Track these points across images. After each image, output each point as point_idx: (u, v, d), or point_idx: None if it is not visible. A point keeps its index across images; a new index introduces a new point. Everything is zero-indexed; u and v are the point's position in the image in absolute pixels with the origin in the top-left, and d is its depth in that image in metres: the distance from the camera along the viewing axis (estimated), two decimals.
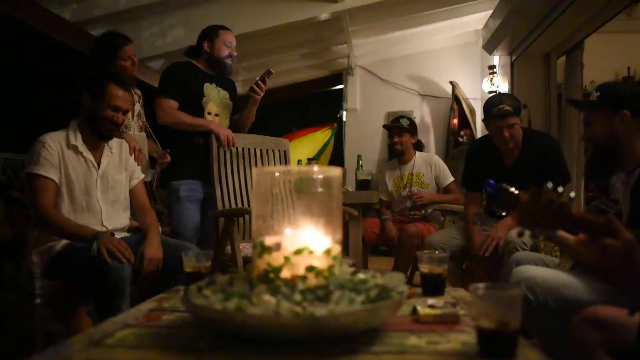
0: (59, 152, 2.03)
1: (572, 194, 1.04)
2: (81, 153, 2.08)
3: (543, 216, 1.04)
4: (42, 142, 2.01)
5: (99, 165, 2.13)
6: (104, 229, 2.09)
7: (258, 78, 2.76)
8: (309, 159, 4.58)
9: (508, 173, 2.54)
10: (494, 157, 2.64)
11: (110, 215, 2.14)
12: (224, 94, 2.83)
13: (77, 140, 2.08)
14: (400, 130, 3.64)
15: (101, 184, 2.13)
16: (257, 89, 2.74)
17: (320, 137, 6.15)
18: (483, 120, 2.66)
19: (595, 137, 1.69)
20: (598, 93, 1.68)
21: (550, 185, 1.03)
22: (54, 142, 2.03)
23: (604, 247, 1.04)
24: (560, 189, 1.03)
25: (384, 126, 3.90)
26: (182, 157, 2.72)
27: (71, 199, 2.05)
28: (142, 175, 2.36)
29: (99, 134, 2.11)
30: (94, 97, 2.07)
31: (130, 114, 2.60)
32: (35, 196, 1.97)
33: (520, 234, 1.12)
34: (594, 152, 1.72)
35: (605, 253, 1.05)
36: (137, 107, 2.80)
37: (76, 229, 1.97)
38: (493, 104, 2.56)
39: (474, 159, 2.79)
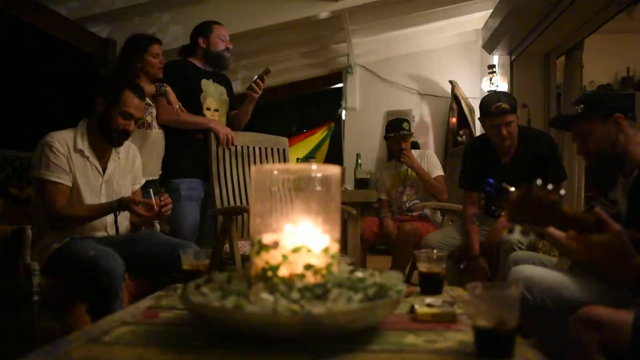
0: (67, 156, 2.01)
1: (562, 192, 1.04)
2: (87, 158, 2.07)
3: (532, 213, 1.03)
4: (50, 144, 1.98)
5: (104, 170, 2.12)
6: (106, 234, 2.10)
7: (256, 76, 2.77)
8: (306, 157, 4.59)
9: (504, 171, 2.54)
10: (490, 156, 2.64)
11: (114, 221, 2.15)
12: (221, 89, 2.84)
13: (84, 145, 2.06)
14: (405, 137, 3.65)
15: (106, 189, 2.12)
16: (255, 87, 2.74)
17: (316, 138, 6.17)
18: (479, 118, 2.66)
19: (594, 149, 1.65)
20: (582, 105, 1.65)
21: (539, 182, 1.03)
22: (61, 145, 2.00)
23: (592, 243, 1.04)
24: (550, 186, 1.02)
25: (386, 137, 3.80)
26: (183, 155, 2.72)
27: (78, 203, 2.04)
28: (143, 181, 2.38)
29: (109, 141, 2.11)
30: (107, 102, 2.06)
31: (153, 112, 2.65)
32: (48, 200, 1.95)
33: (510, 231, 1.12)
34: (595, 163, 1.70)
35: (594, 248, 1.05)
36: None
37: (95, 210, 2.00)
38: (490, 102, 2.56)
39: (470, 159, 2.80)
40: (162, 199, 2.04)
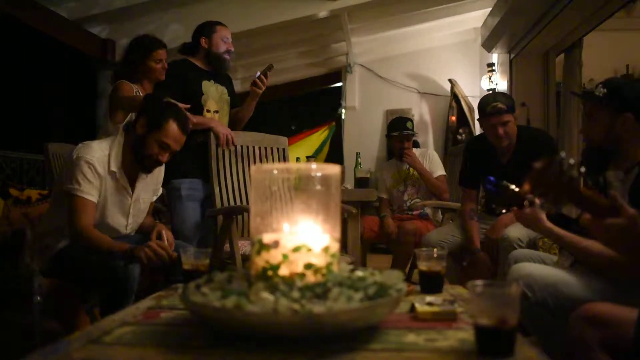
0: (103, 177, 1.97)
1: (582, 169, 1.04)
2: (117, 180, 2.03)
3: (553, 187, 1.03)
4: (89, 162, 1.93)
5: (133, 190, 2.09)
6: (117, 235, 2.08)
7: (260, 72, 2.75)
8: (307, 157, 4.59)
9: (503, 171, 2.54)
10: (489, 155, 2.65)
11: (129, 231, 2.15)
12: (222, 89, 2.84)
13: (116, 166, 2.01)
14: (409, 136, 3.65)
15: (133, 208, 2.10)
16: (259, 82, 2.73)
17: (317, 138, 6.17)
18: (478, 119, 2.67)
19: (594, 134, 1.66)
20: (605, 90, 1.64)
21: (563, 154, 1.02)
22: (99, 165, 1.96)
23: (608, 226, 1.03)
24: (572, 161, 1.02)
25: (389, 135, 3.80)
26: (184, 155, 2.70)
27: (101, 221, 2.02)
28: (161, 191, 2.34)
29: (140, 165, 2.05)
30: (149, 126, 1.99)
31: None
32: (74, 214, 1.91)
33: (531, 204, 1.11)
34: (590, 148, 1.71)
35: (609, 231, 1.04)
36: None
37: (112, 245, 1.90)
38: (487, 102, 2.58)
39: (469, 158, 2.81)
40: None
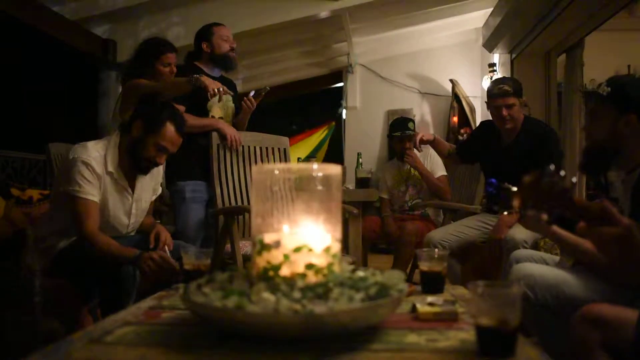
0: (101, 176, 1.97)
1: (574, 179, 1.03)
2: (116, 180, 2.02)
3: (544, 198, 1.03)
4: (87, 162, 1.92)
5: (133, 190, 2.08)
6: (117, 235, 2.08)
7: (254, 91, 2.77)
8: (307, 157, 4.59)
9: (502, 152, 2.63)
10: (492, 136, 2.74)
11: (130, 230, 2.16)
12: (227, 97, 2.84)
13: (113, 166, 2.00)
14: (411, 137, 3.65)
15: (135, 208, 2.10)
16: (247, 102, 2.75)
17: (317, 138, 6.18)
18: (486, 101, 2.74)
19: (596, 133, 1.65)
20: (609, 88, 1.62)
21: (552, 167, 1.03)
22: (97, 166, 1.95)
23: (604, 235, 1.04)
24: (562, 172, 1.02)
25: (390, 135, 3.80)
26: (188, 158, 2.71)
27: (104, 221, 2.01)
28: (160, 190, 2.33)
29: (137, 167, 2.04)
30: (145, 129, 1.98)
31: None
32: (80, 218, 1.91)
33: (522, 217, 1.11)
34: (591, 146, 1.70)
35: (605, 241, 1.04)
36: None
37: (118, 252, 1.89)
38: (494, 84, 2.67)
39: (475, 133, 2.95)
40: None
